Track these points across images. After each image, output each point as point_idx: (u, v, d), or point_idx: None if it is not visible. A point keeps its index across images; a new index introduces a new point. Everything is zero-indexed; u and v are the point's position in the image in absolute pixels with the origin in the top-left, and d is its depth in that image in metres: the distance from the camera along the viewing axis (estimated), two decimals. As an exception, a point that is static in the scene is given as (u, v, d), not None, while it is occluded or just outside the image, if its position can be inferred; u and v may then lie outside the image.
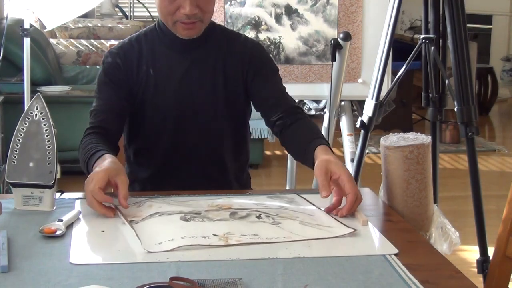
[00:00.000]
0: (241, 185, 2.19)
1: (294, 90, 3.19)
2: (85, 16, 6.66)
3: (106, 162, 1.76)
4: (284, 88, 2.16)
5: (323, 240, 1.57)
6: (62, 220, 1.63)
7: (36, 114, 1.75)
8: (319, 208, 1.72)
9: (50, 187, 1.73)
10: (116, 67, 2.05)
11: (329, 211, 1.73)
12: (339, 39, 2.95)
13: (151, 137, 2.10)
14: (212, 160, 2.11)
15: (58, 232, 1.58)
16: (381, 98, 2.74)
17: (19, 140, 1.75)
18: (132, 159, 2.17)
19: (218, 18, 3.06)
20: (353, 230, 1.57)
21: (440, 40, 2.74)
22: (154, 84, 2.06)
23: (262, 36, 3.11)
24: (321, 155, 1.80)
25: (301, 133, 1.98)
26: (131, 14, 7.83)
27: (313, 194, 1.90)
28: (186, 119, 2.08)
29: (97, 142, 1.92)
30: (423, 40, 2.69)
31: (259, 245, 1.52)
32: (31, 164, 1.74)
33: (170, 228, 1.59)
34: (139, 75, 2.06)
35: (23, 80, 3.78)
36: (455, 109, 2.59)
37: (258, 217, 1.67)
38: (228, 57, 2.09)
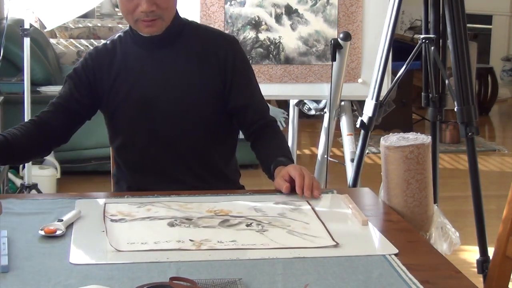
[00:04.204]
0: (227, 181, 2.18)
1: (294, 90, 3.20)
2: (85, 16, 6.66)
3: None
4: (258, 89, 2.19)
5: (308, 242, 1.57)
6: (62, 220, 1.63)
7: None
8: (319, 218, 1.72)
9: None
10: (85, 68, 2.11)
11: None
12: (339, 39, 2.95)
13: (130, 135, 2.12)
14: (192, 154, 2.12)
15: (58, 232, 1.58)
16: (381, 98, 2.74)
17: None
18: (116, 158, 2.20)
19: (218, 18, 3.06)
20: (335, 243, 1.56)
21: (440, 40, 2.74)
22: (126, 84, 2.08)
23: (262, 36, 3.11)
24: (277, 173, 1.96)
25: (268, 150, 2.08)
26: (131, 14, 7.82)
27: (323, 194, 1.91)
28: (162, 115, 2.09)
29: (16, 128, 2.01)
30: (423, 40, 2.69)
31: (234, 250, 1.51)
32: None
33: (149, 232, 1.61)
34: (110, 76, 2.09)
35: (23, 80, 3.78)
36: (455, 109, 2.59)
37: (248, 225, 1.67)
38: (202, 52, 2.11)
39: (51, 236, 1.57)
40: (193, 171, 2.12)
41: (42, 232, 1.58)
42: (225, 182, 2.16)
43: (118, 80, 2.09)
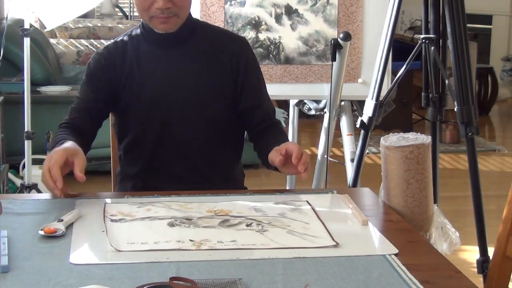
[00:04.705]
0: (233, 182, 2.19)
1: (294, 90, 3.20)
2: (85, 16, 6.66)
3: (65, 144, 1.84)
4: (265, 88, 2.21)
5: (309, 242, 1.57)
6: (62, 220, 1.63)
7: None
8: (319, 218, 1.72)
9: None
10: (100, 68, 2.10)
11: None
12: (339, 39, 2.95)
13: (139, 133, 2.12)
14: (200, 154, 2.12)
15: (58, 232, 1.58)
16: (381, 98, 2.74)
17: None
18: (122, 156, 2.19)
19: (218, 18, 3.06)
20: (335, 243, 1.56)
21: (440, 40, 2.74)
22: (139, 82, 2.09)
23: (262, 36, 3.11)
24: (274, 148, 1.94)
25: (269, 143, 2.05)
26: (131, 14, 7.84)
27: (323, 193, 1.92)
28: (173, 113, 2.09)
29: (66, 134, 1.99)
30: (423, 40, 2.69)
31: (234, 250, 1.51)
32: None
33: (149, 232, 1.61)
34: (123, 74, 2.09)
35: (23, 80, 3.78)
36: (455, 109, 2.58)
37: (248, 225, 1.67)
38: (214, 52, 2.12)
39: (51, 236, 1.57)
40: (200, 171, 2.12)
41: (42, 232, 1.58)
42: (232, 183, 2.17)
43: (131, 78, 2.09)
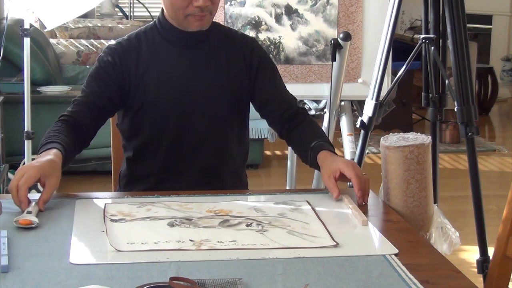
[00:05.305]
0: (241, 182, 2.20)
1: (294, 90, 3.17)
2: (85, 16, 6.66)
3: (45, 158, 1.79)
4: (284, 85, 2.21)
5: (310, 243, 1.57)
6: (31, 212, 1.65)
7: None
8: (319, 218, 1.72)
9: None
10: (112, 64, 2.06)
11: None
12: (339, 39, 2.95)
13: (154, 134, 2.09)
14: (214, 155, 2.12)
15: (34, 224, 1.61)
16: (381, 98, 2.74)
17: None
18: (132, 157, 2.15)
19: (218, 18, 3.06)
20: (335, 243, 1.56)
21: (440, 40, 2.74)
22: (156, 80, 2.07)
23: (262, 36, 3.11)
24: (322, 162, 1.93)
25: (303, 137, 2.06)
26: (131, 14, 7.83)
27: (323, 193, 1.92)
28: (189, 114, 2.08)
29: (60, 131, 1.93)
30: (423, 40, 2.69)
31: (234, 250, 1.51)
32: None
33: (149, 232, 1.61)
34: (138, 72, 2.06)
35: (23, 80, 3.78)
36: (455, 109, 2.59)
37: (248, 225, 1.66)
38: (229, 52, 2.13)
39: (51, 236, 1.57)
40: (214, 171, 2.12)
41: (18, 224, 1.60)
42: (241, 183, 2.18)
43: (147, 76, 2.06)
